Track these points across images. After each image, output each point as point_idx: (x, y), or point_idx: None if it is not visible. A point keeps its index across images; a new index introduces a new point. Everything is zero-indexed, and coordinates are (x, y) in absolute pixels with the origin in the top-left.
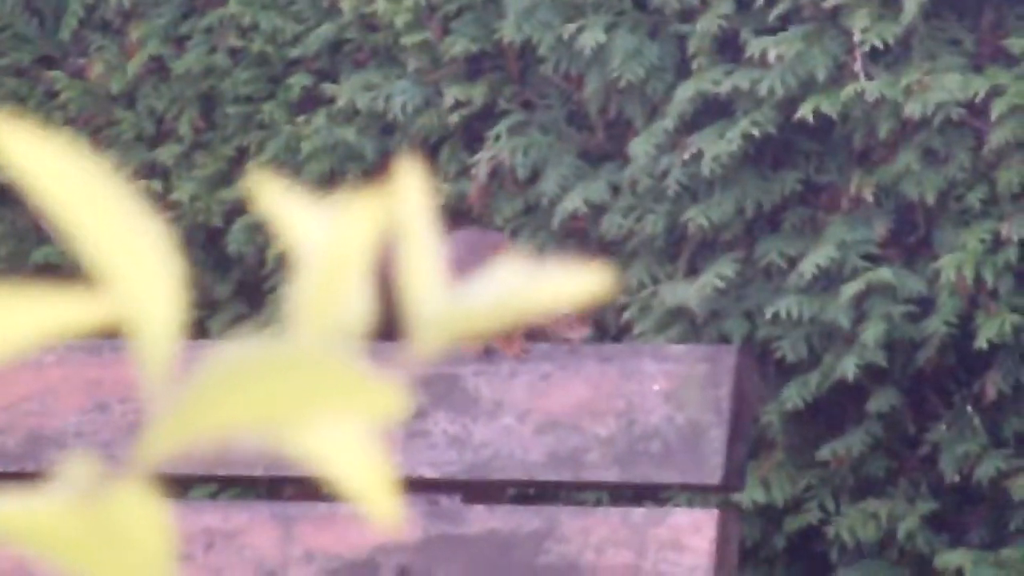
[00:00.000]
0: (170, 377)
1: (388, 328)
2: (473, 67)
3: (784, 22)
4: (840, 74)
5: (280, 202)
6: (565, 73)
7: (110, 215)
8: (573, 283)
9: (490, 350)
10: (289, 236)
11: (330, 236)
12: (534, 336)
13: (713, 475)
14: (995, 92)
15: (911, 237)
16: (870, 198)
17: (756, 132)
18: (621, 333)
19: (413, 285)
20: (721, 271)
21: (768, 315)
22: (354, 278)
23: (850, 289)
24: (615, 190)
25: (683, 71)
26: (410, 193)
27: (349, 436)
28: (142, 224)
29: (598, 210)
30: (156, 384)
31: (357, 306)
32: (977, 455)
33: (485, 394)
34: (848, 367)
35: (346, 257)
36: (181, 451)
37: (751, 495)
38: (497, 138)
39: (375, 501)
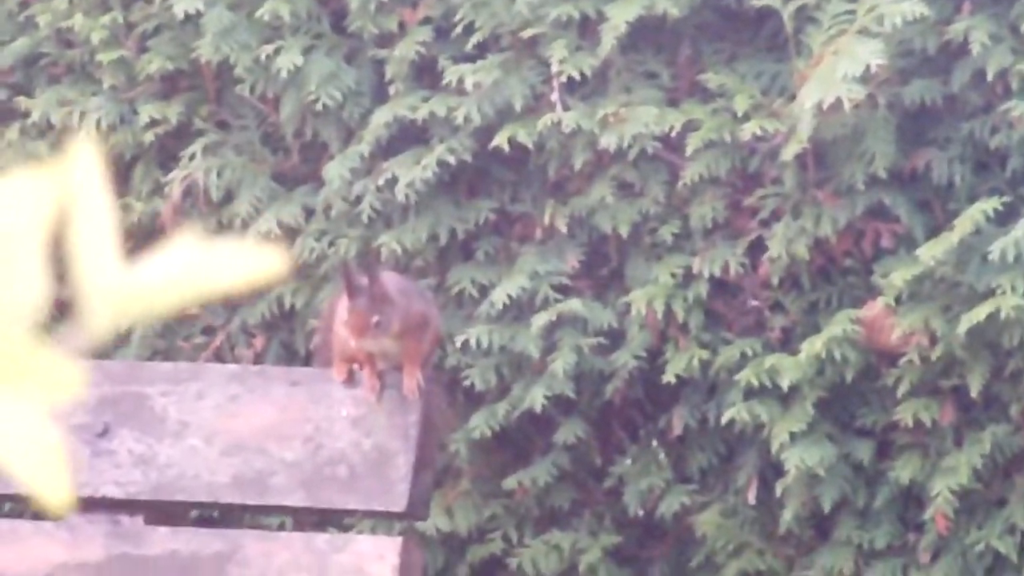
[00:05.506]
0: None
1: None
2: (169, 86)
3: (482, 50)
4: (537, 104)
5: None
6: (261, 94)
7: None
8: (245, 263)
9: (353, 377)
10: None
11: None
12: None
13: (398, 502)
14: (690, 126)
15: (603, 269)
16: (564, 229)
17: (452, 159)
18: (311, 357)
19: (86, 261)
20: None
21: (458, 343)
22: (26, 257)
23: (540, 319)
24: (309, 213)
25: (380, 96)
26: (84, 171)
27: (21, 415)
28: None
29: (292, 232)
30: None
31: (30, 284)
32: (662, 490)
33: (172, 414)
34: (537, 397)
35: (17, 236)
36: None
37: (436, 523)
38: (192, 157)
39: (44, 480)
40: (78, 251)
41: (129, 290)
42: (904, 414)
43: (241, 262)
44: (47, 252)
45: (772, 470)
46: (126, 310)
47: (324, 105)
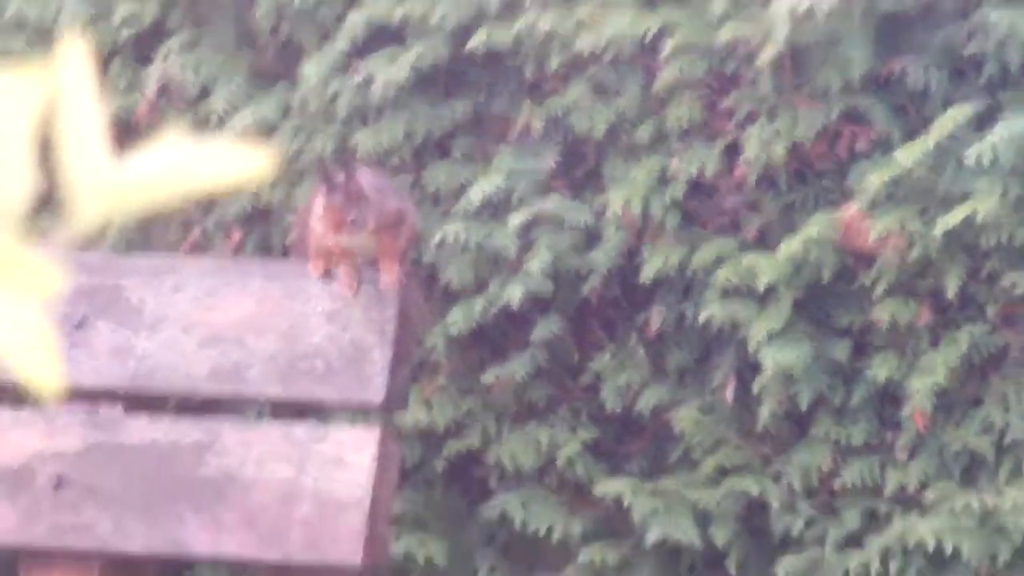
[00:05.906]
0: None
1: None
2: None
3: None
4: (513, 5)
5: None
6: None
7: None
8: (232, 162)
9: (329, 273)
10: None
11: None
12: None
13: (376, 395)
14: (667, 30)
15: (580, 169)
16: (540, 129)
17: (428, 59)
18: (288, 252)
19: (74, 156)
20: None
21: (435, 240)
22: (13, 156)
23: (517, 218)
24: (286, 110)
25: None
26: (71, 67)
27: (10, 310)
28: None
29: (268, 129)
30: None
31: (16, 184)
32: (640, 385)
33: (149, 306)
34: (514, 294)
35: (3, 135)
36: None
37: (413, 416)
38: (167, 54)
39: (37, 374)
40: (65, 146)
41: (116, 186)
42: (881, 314)
43: (228, 161)
44: (34, 144)
45: (749, 369)
46: (113, 206)
47: (299, 5)
